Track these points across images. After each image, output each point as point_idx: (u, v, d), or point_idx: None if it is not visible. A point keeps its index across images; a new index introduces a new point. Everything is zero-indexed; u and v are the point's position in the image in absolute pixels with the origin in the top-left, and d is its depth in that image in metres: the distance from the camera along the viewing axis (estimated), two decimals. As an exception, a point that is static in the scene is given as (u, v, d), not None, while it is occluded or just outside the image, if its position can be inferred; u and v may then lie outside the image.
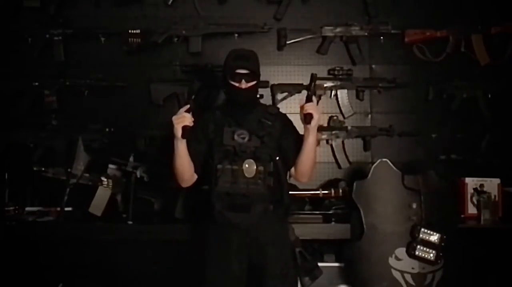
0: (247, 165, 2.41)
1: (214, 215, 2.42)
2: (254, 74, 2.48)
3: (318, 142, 3.29)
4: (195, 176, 2.49)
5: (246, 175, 2.41)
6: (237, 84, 2.46)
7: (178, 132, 2.33)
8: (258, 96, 3.18)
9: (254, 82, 2.49)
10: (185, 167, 2.43)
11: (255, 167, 2.41)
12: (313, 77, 2.44)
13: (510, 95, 3.31)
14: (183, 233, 2.85)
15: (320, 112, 2.44)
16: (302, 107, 2.42)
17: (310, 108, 2.40)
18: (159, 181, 3.00)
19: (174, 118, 2.36)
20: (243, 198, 2.41)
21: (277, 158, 2.48)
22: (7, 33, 3.31)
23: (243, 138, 2.46)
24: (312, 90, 2.45)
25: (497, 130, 3.31)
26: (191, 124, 2.35)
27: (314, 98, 2.46)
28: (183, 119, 2.33)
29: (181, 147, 2.38)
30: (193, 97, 2.45)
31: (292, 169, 2.55)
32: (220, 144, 2.46)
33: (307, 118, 2.39)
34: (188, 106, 2.37)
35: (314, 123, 2.39)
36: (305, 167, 2.51)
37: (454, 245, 2.78)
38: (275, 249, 2.44)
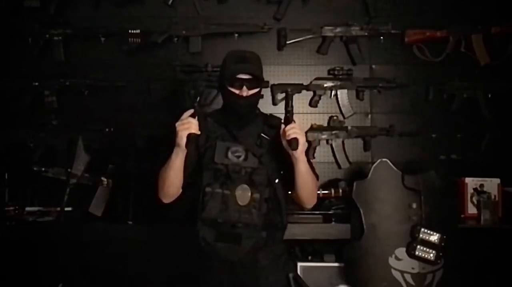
0: (240, 191, 2.08)
1: (199, 243, 2.11)
2: (257, 79, 2.16)
3: (318, 142, 3.30)
4: (180, 191, 2.19)
5: (238, 202, 2.07)
6: (237, 91, 2.14)
7: (183, 140, 2.03)
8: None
9: (256, 89, 2.17)
10: (176, 180, 2.14)
11: (249, 194, 2.08)
12: (288, 95, 2.24)
13: (510, 95, 3.31)
14: (183, 233, 2.84)
15: (304, 134, 2.12)
16: (284, 132, 2.08)
17: (293, 131, 2.05)
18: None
19: (178, 124, 2.06)
20: (234, 228, 2.08)
21: (277, 180, 2.17)
22: (7, 33, 3.31)
23: (238, 157, 2.13)
24: (291, 110, 2.12)
25: (497, 130, 3.31)
26: (198, 132, 2.06)
27: (295, 118, 2.12)
28: (189, 125, 2.03)
29: (180, 157, 2.09)
30: (198, 99, 2.15)
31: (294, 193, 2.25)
32: (211, 161, 2.14)
33: (292, 144, 2.04)
34: (193, 110, 2.08)
35: (301, 148, 2.07)
36: (303, 194, 2.20)
37: (454, 245, 2.78)
38: (269, 279, 2.19)
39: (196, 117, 2.07)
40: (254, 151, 2.15)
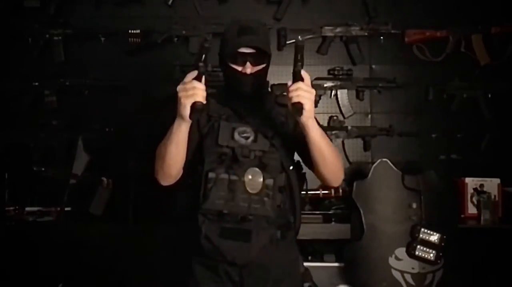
0: (250, 176, 1.76)
1: (200, 241, 1.79)
2: (263, 53, 1.84)
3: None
4: (181, 173, 1.87)
5: (248, 189, 1.76)
6: (240, 68, 1.83)
7: (186, 110, 1.69)
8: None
9: (263, 65, 1.86)
10: (178, 158, 1.80)
11: (261, 180, 1.76)
12: (298, 47, 1.71)
13: (510, 95, 3.31)
14: (183, 233, 2.84)
15: (312, 93, 1.70)
16: (288, 92, 1.71)
17: (296, 94, 1.68)
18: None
19: (180, 88, 1.70)
20: (243, 221, 1.76)
21: (291, 167, 1.87)
22: (7, 33, 3.31)
23: (246, 138, 1.82)
24: (299, 64, 1.71)
25: (497, 130, 3.31)
26: (204, 100, 1.69)
27: (304, 74, 1.71)
28: (195, 91, 1.67)
29: (183, 130, 1.75)
30: (203, 57, 1.71)
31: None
32: (214, 144, 1.81)
33: (294, 110, 1.69)
34: (197, 72, 1.71)
35: (307, 114, 1.70)
36: (324, 169, 1.84)
37: (454, 245, 2.78)
38: None
39: (203, 81, 1.70)
40: (265, 132, 1.83)
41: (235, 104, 1.89)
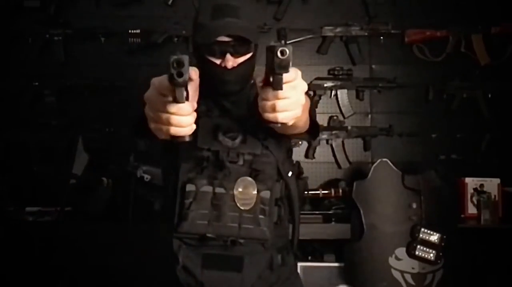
0: (241, 189, 1.40)
1: (176, 273, 1.49)
2: (247, 42, 1.42)
3: (318, 142, 3.29)
4: None
5: (239, 205, 1.40)
6: (218, 61, 1.42)
7: (161, 136, 1.23)
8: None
9: (248, 55, 1.44)
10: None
11: (255, 192, 1.40)
12: (270, 51, 1.18)
13: (510, 95, 3.31)
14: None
15: (299, 101, 1.19)
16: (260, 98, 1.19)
17: (272, 115, 1.15)
18: (159, 181, 3.00)
19: (151, 103, 1.26)
20: (232, 246, 1.41)
21: (290, 173, 1.50)
22: (7, 33, 3.31)
23: (233, 138, 1.44)
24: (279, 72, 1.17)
25: (497, 130, 3.31)
26: (191, 130, 1.18)
27: (288, 76, 1.21)
28: (173, 123, 1.16)
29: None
30: (185, 62, 1.15)
31: None
32: (192, 147, 1.41)
33: (275, 127, 1.22)
34: (169, 83, 1.15)
35: (292, 121, 1.19)
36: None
37: (454, 245, 2.78)
38: None
39: (190, 95, 1.15)
40: (255, 131, 1.44)
41: (216, 98, 1.50)
